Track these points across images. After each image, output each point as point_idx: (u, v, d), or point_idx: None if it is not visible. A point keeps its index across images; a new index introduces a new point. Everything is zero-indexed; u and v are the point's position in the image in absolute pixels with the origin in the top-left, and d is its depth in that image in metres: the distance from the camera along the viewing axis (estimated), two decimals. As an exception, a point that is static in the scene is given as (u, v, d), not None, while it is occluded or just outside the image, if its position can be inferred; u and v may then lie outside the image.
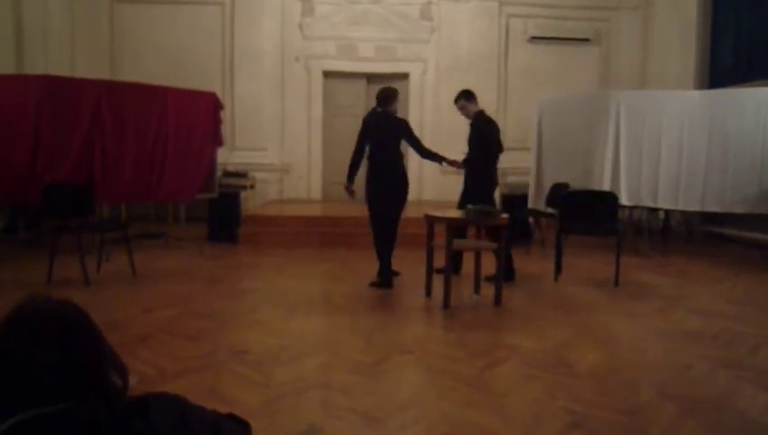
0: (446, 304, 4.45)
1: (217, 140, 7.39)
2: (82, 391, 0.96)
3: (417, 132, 9.99)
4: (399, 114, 10.45)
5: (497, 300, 4.56)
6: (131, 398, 1.03)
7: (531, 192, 8.25)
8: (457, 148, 10.56)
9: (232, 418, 1.25)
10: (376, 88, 10.06)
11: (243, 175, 8.59)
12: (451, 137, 9.79)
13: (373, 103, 10.66)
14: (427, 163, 6.40)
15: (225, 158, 8.97)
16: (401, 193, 5.16)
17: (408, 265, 5.59)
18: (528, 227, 7.66)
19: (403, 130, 5.28)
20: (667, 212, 7.92)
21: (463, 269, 5.44)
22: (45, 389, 0.94)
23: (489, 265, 4.89)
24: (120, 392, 1.04)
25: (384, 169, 5.16)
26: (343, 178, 10.38)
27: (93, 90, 6.32)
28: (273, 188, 9.80)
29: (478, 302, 4.76)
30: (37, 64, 7.76)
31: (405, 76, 10.14)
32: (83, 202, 5.51)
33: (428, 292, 4.83)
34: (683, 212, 7.66)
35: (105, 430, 0.94)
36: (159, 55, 9.38)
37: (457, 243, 4.86)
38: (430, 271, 4.86)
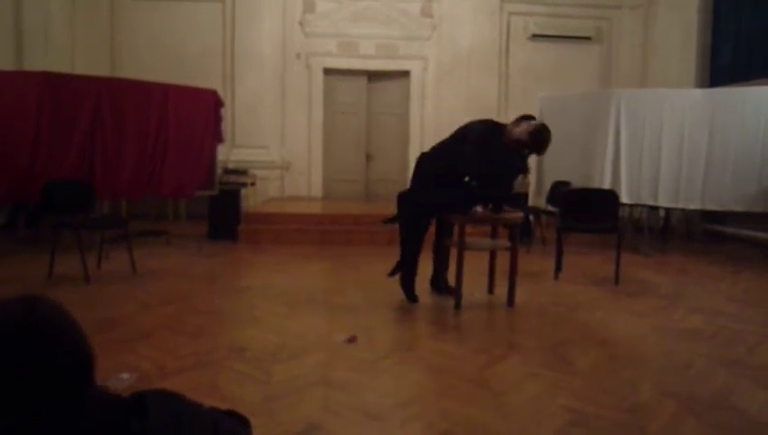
0: (458, 304, 4.41)
1: (218, 138, 7.38)
2: (65, 396, 0.93)
3: (417, 131, 10.13)
4: (400, 112, 10.31)
5: (510, 301, 4.52)
6: (128, 396, 1.02)
7: (531, 190, 8.27)
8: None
9: (232, 414, 1.25)
10: (377, 85, 10.22)
11: (243, 172, 8.59)
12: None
13: (372, 101, 10.62)
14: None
15: (226, 155, 8.98)
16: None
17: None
18: (529, 225, 7.66)
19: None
20: (667, 210, 7.93)
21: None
22: (21, 397, 0.90)
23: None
24: (105, 393, 1.01)
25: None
26: (343, 175, 10.43)
27: (94, 87, 6.31)
28: (273, 185, 9.80)
29: (478, 300, 4.76)
30: (37, 61, 7.75)
31: (406, 74, 10.15)
32: (84, 199, 5.53)
33: (432, 288, 4.83)
34: (683, 210, 7.66)
35: (101, 429, 0.93)
36: (160, 52, 9.38)
37: (474, 241, 4.85)
38: (437, 268, 4.85)
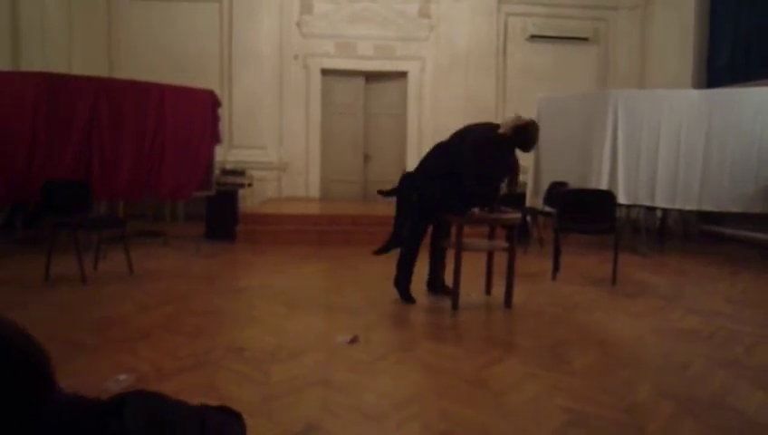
0: (455, 305, 4.41)
1: (215, 138, 7.38)
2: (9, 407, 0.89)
3: (415, 132, 10.12)
4: (397, 113, 10.30)
5: (507, 302, 4.52)
6: (107, 399, 1.01)
7: (529, 191, 8.28)
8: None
9: (223, 409, 1.24)
10: (374, 86, 10.22)
11: (241, 173, 8.58)
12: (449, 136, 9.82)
13: (370, 101, 10.62)
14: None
15: (223, 156, 8.98)
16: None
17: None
18: (526, 225, 7.67)
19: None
20: (664, 211, 7.94)
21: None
22: None
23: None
24: (76, 397, 0.98)
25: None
26: (341, 175, 10.45)
27: (91, 87, 6.30)
28: (271, 186, 9.79)
29: (476, 301, 4.76)
30: (34, 62, 7.74)
31: (403, 75, 10.15)
32: (82, 199, 5.51)
33: (429, 289, 4.83)
34: (680, 211, 7.68)
35: (77, 431, 0.92)
36: (157, 53, 9.36)
37: (471, 242, 4.84)
38: (434, 269, 4.85)
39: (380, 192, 4.97)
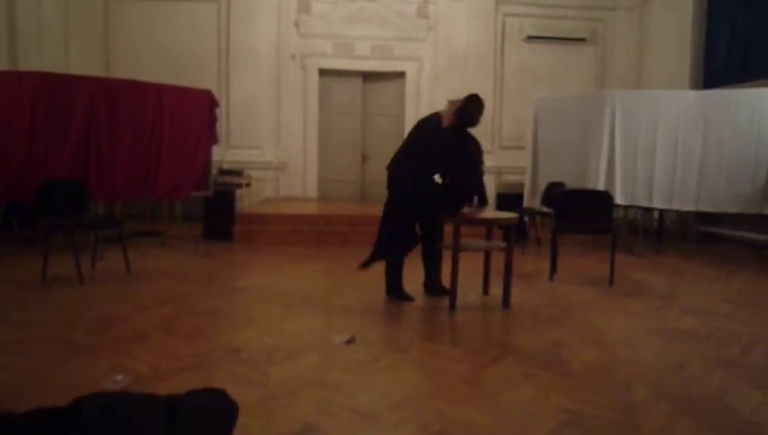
0: (453, 305, 4.41)
1: (213, 138, 7.38)
2: None
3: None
4: (395, 113, 10.29)
5: (505, 302, 4.53)
6: (65, 404, 1.01)
7: (526, 191, 8.30)
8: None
9: (207, 391, 1.24)
10: (372, 86, 10.22)
11: (238, 173, 8.58)
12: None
13: (367, 102, 10.56)
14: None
15: (221, 156, 8.98)
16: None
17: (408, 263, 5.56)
18: (524, 226, 7.68)
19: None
20: (661, 211, 7.96)
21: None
22: None
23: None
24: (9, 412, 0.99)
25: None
26: (338, 175, 10.44)
27: (88, 87, 6.30)
28: (268, 186, 9.79)
29: (473, 301, 4.76)
30: (32, 61, 7.73)
31: (401, 75, 10.15)
32: (79, 200, 5.51)
33: (426, 290, 4.83)
34: (677, 211, 7.69)
35: None
36: (155, 53, 9.36)
37: (469, 243, 4.85)
38: (429, 270, 4.84)
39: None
